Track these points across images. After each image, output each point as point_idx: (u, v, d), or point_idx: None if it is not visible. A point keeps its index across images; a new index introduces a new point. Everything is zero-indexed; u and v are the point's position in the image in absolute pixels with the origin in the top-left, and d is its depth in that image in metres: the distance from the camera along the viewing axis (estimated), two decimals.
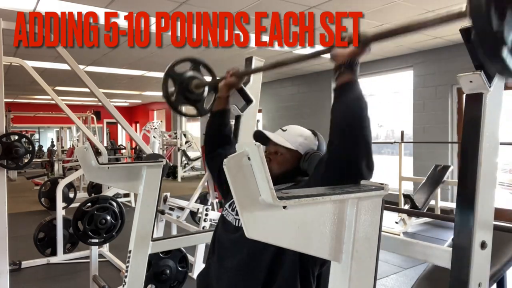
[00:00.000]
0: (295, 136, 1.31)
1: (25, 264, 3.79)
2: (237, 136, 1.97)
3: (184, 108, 1.85)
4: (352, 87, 1.04)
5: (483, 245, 0.94)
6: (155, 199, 1.84)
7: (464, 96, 0.97)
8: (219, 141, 1.56)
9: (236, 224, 1.26)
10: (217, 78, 1.77)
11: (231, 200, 1.34)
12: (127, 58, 6.73)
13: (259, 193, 0.69)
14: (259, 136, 1.35)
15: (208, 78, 1.86)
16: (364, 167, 0.99)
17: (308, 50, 6.87)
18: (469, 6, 0.69)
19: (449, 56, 5.81)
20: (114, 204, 3.03)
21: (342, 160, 1.02)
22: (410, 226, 4.90)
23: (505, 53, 0.68)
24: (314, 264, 1.14)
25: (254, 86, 1.98)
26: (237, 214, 1.27)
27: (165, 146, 11.95)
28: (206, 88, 1.83)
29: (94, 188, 6.14)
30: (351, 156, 1.00)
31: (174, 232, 3.96)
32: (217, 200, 4.25)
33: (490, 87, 0.91)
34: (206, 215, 3.55)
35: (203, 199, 4.42)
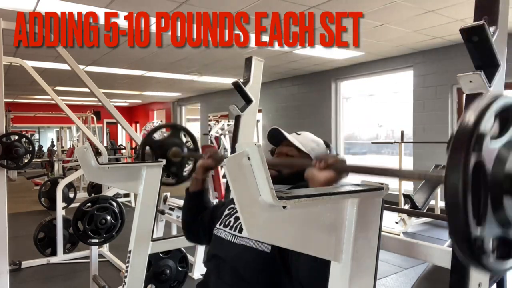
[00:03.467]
0: (309, 141, 1.35)
1: (25, 264, 3.79)
2: (237, 136, 1.97)
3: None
4: None
5: None
6: (155, 199, 1.84)
7: (464, 96, 0.97)
8: (195, 223, 1.52)
9: (231, 240, 1.24)
10: (196, 154, 1.75)
11: (221, 219, 1.35)
12: (127, 58, 6.73)
13: (259, 193, 0.69)
14: (275, 134, 1.36)
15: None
16: None
17: (308, 50, 6.85)
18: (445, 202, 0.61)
19: (449, 56, 5.81)
20: (114, 204, 3.03)
21: None
22: (410, 226, 4.90)
23: (490, 260, 0.60)
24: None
25: (254, 86, 1.98)
26: (230, 229, 1.26)
27: None
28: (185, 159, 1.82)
29: (94, 188, 6.14)
30: None
31: (174, 232, 3.96)
32: (217, 200, 4.25)
33: (490, 87, 0.91)
34: None
35: None
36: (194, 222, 1.52)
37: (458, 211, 0.56)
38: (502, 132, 0.63)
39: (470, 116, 0.59)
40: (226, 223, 1.30)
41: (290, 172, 1.29)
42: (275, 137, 1.36)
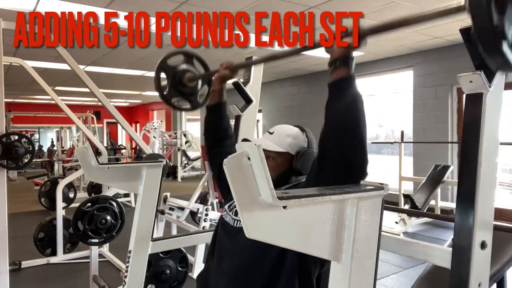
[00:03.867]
0: (283, 137, 1.27)
1: (25, 264, 3.79)
2: (237, 136, 1.97)
3: (177, 101, 1.83)
4: (348, 83, 1.02)
5: (483, 245, 0.94)
6: (155, 199, 1.84)
7: (464, 96, 0.97)
8: (218, 135, 1.54)
9: (234, 225, 1.25)
10: (211, 71, 1.76)
11: (231, 201, 1.33)
12: (127, 58, 6.73)
13: (259, 193, 0.69)
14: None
15: (202, 71, 1.84)
16: (359, 163, 0.98)
17: (308, 50, 6.81)
18: (469, 1, 0.67)
19: (449, 56, 5.81)
20: (114, 204, 3.03)
21: (337, 158, 1.00)
22: (410, 226, 4.90)
23: (505, 47, 0.66)
24: (314, 265, 1.14)
25: (254, 86, 1.98)
26: (235, 214, 1.26)
27: (165, 146, 11.95)
28: (200, 82, 1.82)
29: (94, 188, 6.14)
30: (346, 153, 0.98)
31: (174, 232, 3.96)
32: (217, 200, 4.25)
33: (490, 87, 0.91)
34: (206, 215, 3.55)
35: (203, 199, 4.42)
36: (214, 130, 1.55)
37: (482, 1, 0.60)
38: None
39: None
40: (232, 206, 1.30)
41: (277, 175, 1.24)
42: None
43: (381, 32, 0.99)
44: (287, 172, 1.26)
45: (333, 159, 1.01)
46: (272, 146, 1.25)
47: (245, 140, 1.33)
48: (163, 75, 1.77)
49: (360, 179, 0.94)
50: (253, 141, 1.26)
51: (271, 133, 1.31)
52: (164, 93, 1.76)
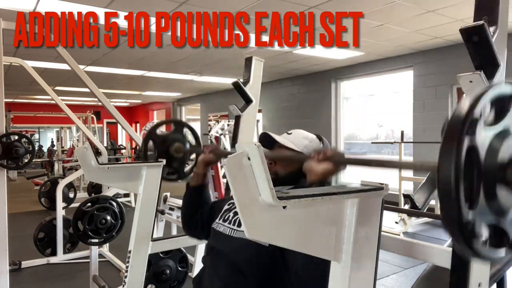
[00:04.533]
0: (300, 139, 1.32)
1: (25, 264, 3.79)
2: (236, 136, 1.97)
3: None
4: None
5: None
6: (155, 199, 1.84)
7: (464, 96, 0.97)
8: (194, 219, 1.52)
9: (229, 234, 1.25)
10: (198, 148, 1.75)
11: (220, 213, 1.36)
12: (127, 58, 6.73)
13: (259, 193, 0.69)
14: (265, 138, 1.35)
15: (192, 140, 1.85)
16: None
17: (308, 50, 6.84)
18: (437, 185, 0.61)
19: (449, 56, 5.81)
20: (114, 204, 3.04)
21: None
22: (410, 226, 4.90)
23: (481, 245, 0.60)
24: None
25: (254, 86, 1.98)
26: (229, 223, 1.27)
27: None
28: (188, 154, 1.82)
29: (94, 188, 6.14)
30: None
31: (174, 232, 3.96)
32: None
33: None
34: None
35: None
36: (194, 216, 1.52)
37: (450, 193, 0.56)
38: (497, 120, 0.63)
39: (465, 102, 0.59)
40: (225, 218, 1.31)
41: (286, 173, 1.28)
42: (266, 142, 1.35)
43: (358, 165, 1.00)
44: (298, 172, 1.28)
45: None
46: (289, 143, 1.30)
47: (264, 133, 1.35)
48: (150, 144, 1.78)
49: None
50: (273, 136, 1.31)
51: (289, 134, 1.36)
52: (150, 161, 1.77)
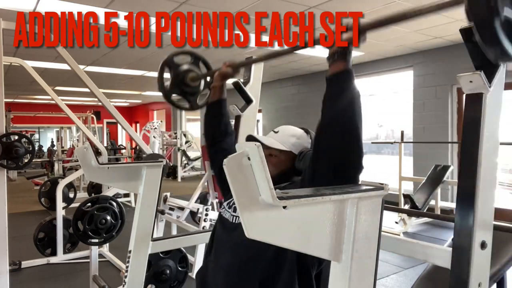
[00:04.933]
0: (288, 137, 1.30)
1: (25, 264, 3.79)
2: (237, 136, 1.96)
3: (177, 100, 1.83)
4: (346, 77, 1.02)
5: (483, 245, 0.94)
6: (155, 199, 1.84)
7: (464, 96, 0.97)
8: (218, 133, 1.54)
9: (233, 221, 1.26)
10: (213, 70, 1.76)
11: (230, 199, 1.34)
12: (127, 58, 6.73)
13: (259, 193, 0.69)
14: (251, 141, 1.35)
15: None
16: (355, 160, 0.98)
17: (308, 50, 6.83)
18: None
19: (449, 56, 5.81)
20: (114, 204, 3.03)
21: (332, 154, 0.99)
22: (410, 226, 4.90)
23: (502, 36, 0.66)
24: (312, 263, 1.14)
25: (254, 86, 1.98)
26: (234, 211, 1.27)
27: (165, 146, 11.95)
28: (202, 83, 1.82)
29: (94, 188, 6.14)
30: (342, 151, 0.98)
31: (174, 232, 3.96)
32: (217, 200, 4.25)
33: (490, 87, 0.91)
34: (206, 215, 3.55)
35: (203, 199, 4.42)
36: (213, 127, 1.54)
37: None
38: None
39: None
40: (231, 204, 1.31)
41: (278, 172, 1.27)
42: None
43: (380, 27, 0.99)
44: (289, 170, 1.28)
45: (329, 155, 1.00)
46: (276, 144, 1.28)
47: (249, 136, 1.34)
48: (167, 71, 1.77)
49: (355, 175, 0.95)
50: (258, 138, 1.29)
51: (276, 132, 1.33)
52: (165, 87, 1.76)
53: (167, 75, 1.79)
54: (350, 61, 1.03)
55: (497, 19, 0.66)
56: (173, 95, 1.78)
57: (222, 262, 1.24)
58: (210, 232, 1.43)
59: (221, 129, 1.54)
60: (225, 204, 1.36)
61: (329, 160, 1.00)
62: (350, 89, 1.01)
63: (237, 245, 1.20)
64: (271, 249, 1.12)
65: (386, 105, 7.62)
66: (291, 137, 1.30)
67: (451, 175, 5.44)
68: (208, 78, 1.82)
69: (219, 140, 1.53)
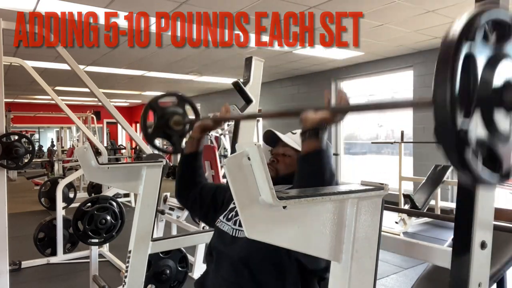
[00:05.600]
0: None
1: (25, 264, 3.79)
2: (236, 136, 1.97)
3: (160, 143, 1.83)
4: (317, 156, 1.04)
5: (483, 245, 0.94)
6: (155, 199, 1.84)
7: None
8: (189, 185, 1.50)
9: (234, 234, 1.24)
10: (198, 119, 1.75)
11: (225, 212, 1.35)
12: (127, 58, 6.73)
13: (259, 193, 0.69)
14: (270, 136, 1.36)
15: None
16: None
17: (308, 50, 6.82)
18: (432, 96, 0.60)
19: None
20: (114, 204, 3.03)
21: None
22: (410, 226, 4.90)
23: (469, 156, 0.58)
24: (315, 275, 1.15)
25: (254, 86, 1.98)
26: (234, 224, 1.26)
27: (165, 146, 11.93)
28: (187, 127, 1.81)
29: (94, 188, 6.14)
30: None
31: (174, 232, 3.96)
32: None
33: None
34: None
35: None
36: (186, 180, 1.50)
37: (445, 95, 0.54)
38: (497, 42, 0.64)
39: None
40: (229, 217, 1.31)
41: (288, 172, 1.28)
42: (270, 139, 1.36)
43: (355, 111, 1.01)
44: None
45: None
46: (292, 143, 1.30)
47: (269, 131, 1.35)
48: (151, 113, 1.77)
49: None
50: (278, 134, 1.32)
51: (293, 133, 1.35)
52: (148, 131, 1.75)
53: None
54: (323, 140, 1.05)
55: (467, 147, 0.58)
56: (156, 138, 1.78)
57: (223, 272, 1.23)
58: (210, 232, 1.43)
59: (196, 180, 1.50)
60: (220, 218, 1.35)
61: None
62: (322, 167, 1.04)
63: (237, 261, 1.19)
64: (273, 262, 1.13)
65: None
66: None
67: (451, 175, 5.44)
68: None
69: (188, 191, 1.50)
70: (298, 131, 1.35)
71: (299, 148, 1.27)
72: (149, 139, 1.76)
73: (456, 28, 0.58)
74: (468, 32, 0.57)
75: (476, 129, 0.60)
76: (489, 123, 0.61)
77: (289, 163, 1.29)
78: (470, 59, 0.58)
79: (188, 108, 1.83)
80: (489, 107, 0.61)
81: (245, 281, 1.16)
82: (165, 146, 1.94)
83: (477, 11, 0.60)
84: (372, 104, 0.94)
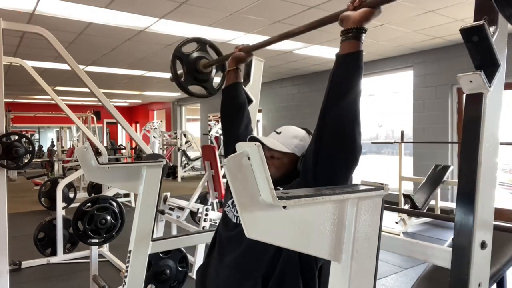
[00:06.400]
0: (290, 139, 1.27)
1: (25, 264, 3.79)
2: None
3: (193, 89, 1.84)
4: (357, 57, 1.02)
5: (483, 245, 0.94)
6: (155, 199, 1.84)
7: (464, 96, 0.97)
8: (235, 112, 1.53)
9: (236, 221, 1.26)
10: (225, 55, 1.75)
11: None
12: (127, 58, 6.73)
13: (259, 193, 0.69)
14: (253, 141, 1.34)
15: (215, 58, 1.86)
16: (356, 134, 1.01)
17: (308, 50, 6.81)
18: None
19: (449, 56, 5.81)
20: (114, 204, 3.03)
21: (336, 128, 1.01)
22: (410, 226, 4.90)
23: None
24: (315, 258, 1.14)
25: (254, 86, 1.98)
26: (237, 211, 1.27)
27: (165, 146, 11.96)
28: (214, 68, 1.83)
29: (94, 188, 6.14)
30: (345, 124, 1.00)
31: (174, 232, 3.96)
32: (217, 200, 4.25)
33: (490, 87, 0.91)
34: (206, 215, 3.55)
35: (203, 199, 4.43)
36: (230, 108, 1.55)
37: None
38: None
39: None
40: (234, 203, 1.31)
41: (280, 174, 1.25)
42: None
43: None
44: (291, 173, 1.26)
45: (333, 127, 1.02)
46: (278, 146, 1.25)
47: (252, 137, 1.32)
48: (178, 63, 1.78)
49: (355, 146, 1.00)
50: (261, 139, 1.27)
51: (278, 133, 1.30)
52: (181, 80, 1.77)
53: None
54: (363, 40, 1.03)
55: None
56: (190, 85, 1.80)
57: (225, 259, 1.24)
58: (210, 232, 1.43)
59: (238, 111, 1.53)
60: (229, 202, 1.35)
61: (333, 132, 1.02)
62: (358, 70, 1.02)
63: (239, 243, 1.20)
64: (272, 247, 1.12)
65: (386, 105, 7.62)
66: (294, 138, 1.28)
67: (451, 175, 5.45)
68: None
69: (235, 123, 1.52)
70: (283, 129, 1.32)
71: (286, 150, 1.25)
72: (184, 88, 1.78)
73: None
74: None
75: None
76: None
77: (279, 165, 1.26)
78: None
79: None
80: None
81: (247, 266, 1.17)
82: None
83: None
84: None
